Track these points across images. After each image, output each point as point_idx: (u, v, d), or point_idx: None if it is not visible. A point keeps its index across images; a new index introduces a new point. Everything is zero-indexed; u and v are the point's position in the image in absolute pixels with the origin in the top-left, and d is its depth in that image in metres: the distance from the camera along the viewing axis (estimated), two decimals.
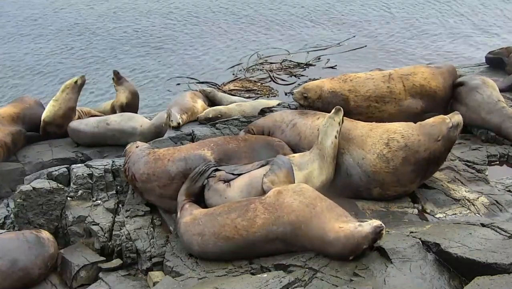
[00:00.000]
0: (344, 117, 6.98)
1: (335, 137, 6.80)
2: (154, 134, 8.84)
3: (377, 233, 5.39)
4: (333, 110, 6.88)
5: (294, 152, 7.39)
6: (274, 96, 12.71)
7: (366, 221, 5.56)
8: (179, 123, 9.25)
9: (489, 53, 11.44)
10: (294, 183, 6.44)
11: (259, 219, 5.91)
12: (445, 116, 6.99)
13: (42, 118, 9.46)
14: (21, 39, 17.15)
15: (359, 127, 7.29)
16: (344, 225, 5.56)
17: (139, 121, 9.05)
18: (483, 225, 6.01)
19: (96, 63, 15.43)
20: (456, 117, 6.92)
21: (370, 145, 7.04)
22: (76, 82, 9.62)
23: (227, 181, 6.74)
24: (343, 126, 7.10)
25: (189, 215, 6.47)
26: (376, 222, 5.46)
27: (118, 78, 10.35)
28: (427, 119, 7.16)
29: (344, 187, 7.03)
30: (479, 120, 8.61)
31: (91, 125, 9.10)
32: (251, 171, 6.73)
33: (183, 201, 6.78)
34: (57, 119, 9.45)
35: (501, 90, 9.09)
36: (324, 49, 15.62)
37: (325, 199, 5.92)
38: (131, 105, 10.15)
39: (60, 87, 9.82)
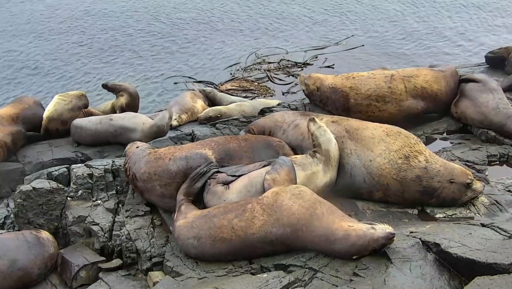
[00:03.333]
0: (351, 118, 7.03)
1: (334, 138, 6.86)
2: (155, 134, 8.82)
3: (389, 239, 5.42)
4: (310, 123, 7.01)
5: (295, 152, 7.42)
6: (271, 96, 12.71)
7: (377, 224, 5.57)
8: (174, 125, 9.26)
9: (489, 52, 11.46)
10: (296, 181, 6.45)
11: (258, 220, 5.91)
12: (471, 174, 6.99)
13: (46, 114, 9.45)
14: (21, 38, 17.12)
15: (370, 128, 7.23)
16: (354, 224, 5.58)
17: (142, 119, 9.06)
18: (483, 225, 6.03)
19: (94, 63, 15.40)
20: (478, 185, 6.94)
21: (382, 149, 6.97)
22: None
23: (226, 184, 6.74)
24: (350, 125, 7.13)
25: (183, 218, 6.46)
26: (389, 228, 5.48)
27: (111, 90, 10.41)
28: (455, 164, 7.17)
29: (346, 188, 7.02)
30: (481, 116, 8.61)
31: (94, 122, 9.10)
32: (252, 171, 6.73)
33: (181, 201, 6.79)
34: (64, 113, 9.46)
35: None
36: (322, 48, 15.62)
37: (325, 202, 5.94)
38: (132, 106, 10.15)
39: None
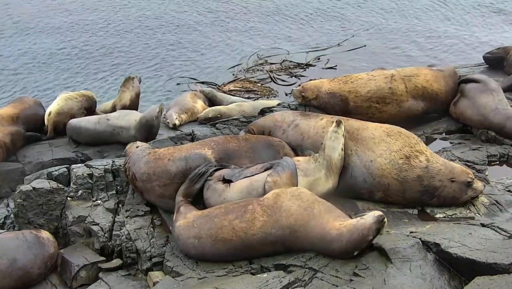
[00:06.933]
0: (351, 118, 7.00)
1: (341, 149, 6.84)
2: (145, 127, 8.80)
3: (380, 222, 5.45)
4: (334, 124, 6.91)
5: (295, 152, 7.41)
6: (274, 96, 12.71)
7: (365, 214, 5.62)
8: (175, 124, 9.26)
9: (487, 53, 11.48)
10: (297, 186, 6.44)
11: (258, 221, 5.92)
12: (471, 173, 6.99)
13: (55, 108, 9.45)
14: (22, 37, 17.12)
15: (371, 129, 7.22)
16: (344, 222, 5.60)
17: (134, 115, 9.09)
18: (483, 225, 6.03)
19: (94, 62, 15.40)
20: (479, 184, 6.94)
21: (383, 149, 6.96)
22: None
23: (227, 181, 6.74)
24: (351, 125, 7.11)
25: (183, 219, 6.46)
26: (377, 212, 5.54)
27: (126, 82, 10.43)
28: (455, 164, 7.16)
29: (346, 188, 7.00)
30: (481, 117, 8.59)
31: (93, 122, 9.10)
32: (255, 174, 6.71)
33: (179, 202, 6.79)
34: (74, 107, 9.54)
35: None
36: (324, 49, 15.61)
37: (323, 202, 5.96)
38: (133, 106, 10.17)
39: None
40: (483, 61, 11.51)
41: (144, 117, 8.90)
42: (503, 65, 10.87)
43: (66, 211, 7.41)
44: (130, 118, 9.03)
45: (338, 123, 6.88)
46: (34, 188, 7.37)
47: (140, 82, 10.52)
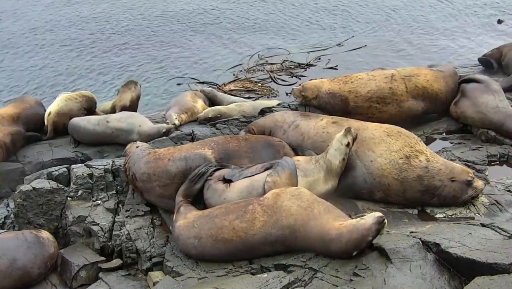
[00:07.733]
0: (351, 118, 6.97)
1: (343, 159, 6.79)
2: (148, 140, 8.79)
3: (380, 223, 5.44)
4: (342, 131, 6.79)
5: (295, 152, 7.41)
6: (275, 96, 12.70)
7: (365, 214, 5.62)
8: (174, 124, 9.26)
9: (483, 55, 11.49)
10: (296, 186, 6.44)
11: (258, 221, 5.92)
12: (471, 173, 6.99)
13: (55, 109, 9.44)
14: (22, 41, 17.15)
15: (371, 129, 7.22)
16: (344, 222, 5.60)
17: (138, 120, 9.06)
18: (483, 225, 6.03)
19: (96, 62, 15.41)
20: (479, 183, 6.93)
21: (383, 149, 6.96)
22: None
23: (227, 181, 6.74)
24: (351, 126, 7.10)
25: (183, 219, 6.47)
26: (377, 213, 5.54)
27: (128, 84, 10.46)
28: (455, 163, 7.16)
29: (346, 188, 6.99)
30: (481, 115, 8.59)
31: (92, 123, 9.10)
32: (255, 174, 6.71)
33: (179, 202, 6.79)
34: (74, 108, 9.54)
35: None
36: (324, 49, 15.61)
37: (323, 202, 5.96)
38: (133, 107, 10.17)
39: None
40: None
41: (147, 132, 8.87)
42: (499, 65, 10.86)
43: (66, 211, 7.42)
44: (133, 122, 9.00)
45: (347, 131, 6.74)
46: (34, 188, 7.38)
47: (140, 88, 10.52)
